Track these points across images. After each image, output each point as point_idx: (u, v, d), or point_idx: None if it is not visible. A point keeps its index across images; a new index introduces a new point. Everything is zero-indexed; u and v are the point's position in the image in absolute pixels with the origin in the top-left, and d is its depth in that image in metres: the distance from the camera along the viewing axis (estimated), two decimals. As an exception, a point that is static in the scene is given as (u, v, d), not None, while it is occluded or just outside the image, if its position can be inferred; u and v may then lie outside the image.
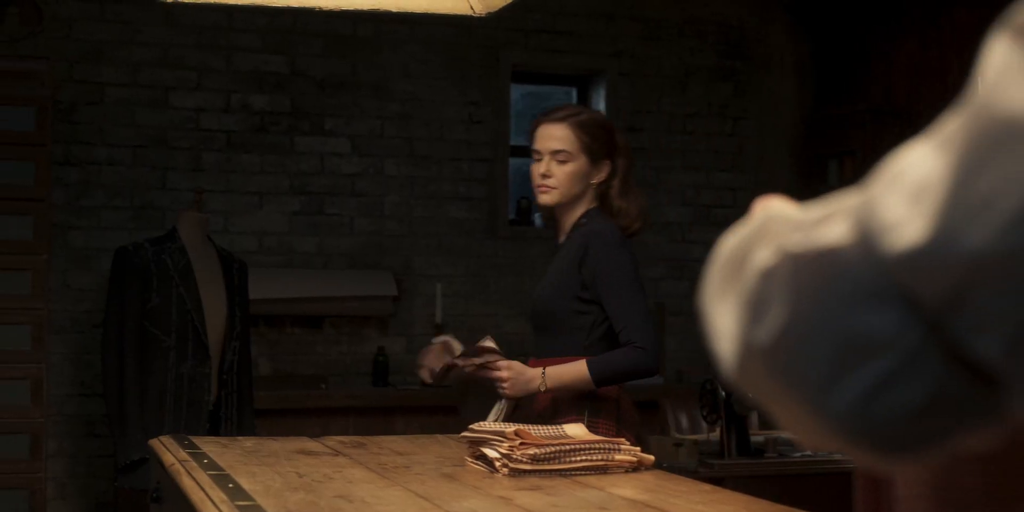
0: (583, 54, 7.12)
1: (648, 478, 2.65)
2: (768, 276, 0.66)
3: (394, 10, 3.50)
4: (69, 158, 6.24)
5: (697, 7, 7.24)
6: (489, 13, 3.51)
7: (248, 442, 3.20)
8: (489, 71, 6.94)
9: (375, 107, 6.69)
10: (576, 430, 2.79)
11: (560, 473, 2.60)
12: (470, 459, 2.76)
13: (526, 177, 7.18)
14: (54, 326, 6.02)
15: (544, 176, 3.53)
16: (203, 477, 2.48)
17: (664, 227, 7.15)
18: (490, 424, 2.77)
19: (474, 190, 6.88)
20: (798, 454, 4.76)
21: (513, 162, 7.07)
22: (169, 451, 2.91)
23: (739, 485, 3.03)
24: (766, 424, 5.80)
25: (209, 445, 3.03)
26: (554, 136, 3.54)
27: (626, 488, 2.49)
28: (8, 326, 5.31)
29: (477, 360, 3.34)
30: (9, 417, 5.29)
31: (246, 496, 2.27)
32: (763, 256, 0.67)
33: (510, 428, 2.66)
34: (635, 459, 2.68)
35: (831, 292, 0.63)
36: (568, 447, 2.62)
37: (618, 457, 2.65)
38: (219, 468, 2.62)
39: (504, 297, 6.89)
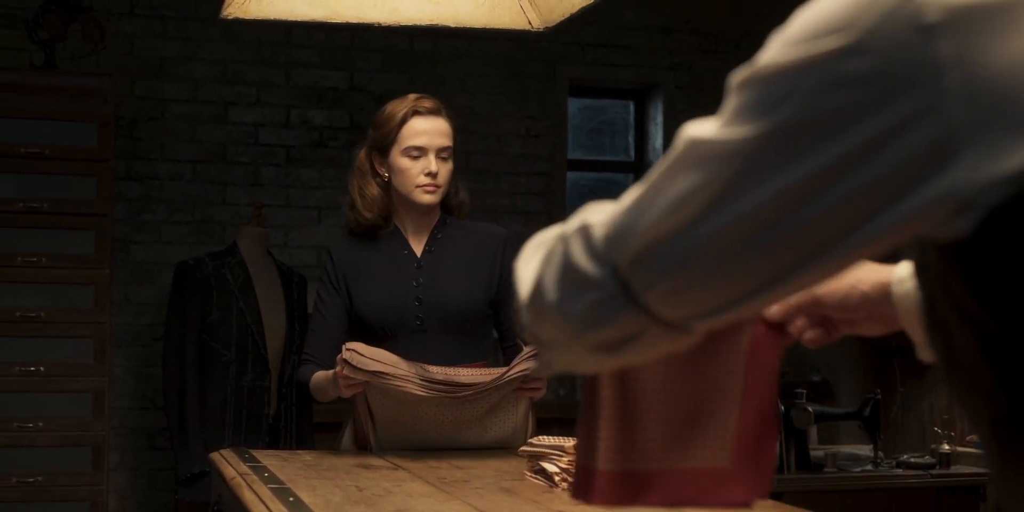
0: (640, 67, 7.11)
1: (708, 493, 2.63)
2: (555, 239, 1.05)
3: (452, 25, 3.51)
4: (131, 173, 6.30)
5: (754, 20, 7.22)
6: (547, 27, 3.51)
7: (308, 455, 3.22)
8: (546, 85, 6.95)
9: (433, 121, 6.71)
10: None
11: (619, 488, 2.59)
12: (529, 473, 2.76)
13: (584, 191, 7.20)
14: (116, 339, 6.08)
15: (432, 174, 3.28)
16: (264, 490, 2.50)
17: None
18: (549, 438, 2.76)
19: (531, 204, 6.89)
20: (858, 469, 4.73)
21: (571, 176, 7.07)
22: (230, 464, 2.93)
23: (798, 500, 3.01)
24: (826, 439, 5.76)
25: (269, 458, 3.05)
26: (441, 131, 3.33)
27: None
28: (71, 339, 5.37)
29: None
30: (72, 430, 5.35)
31: (307, 510, 2.28)
32: (555, 230, 1.08)
33: (569, 442, 2.66)
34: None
35: (578, 250, 1.00)
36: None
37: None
38: (280, 481, 2.63)
39: (562, 311, 6.88)
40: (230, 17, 3.28)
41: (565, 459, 2.61)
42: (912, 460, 4.82)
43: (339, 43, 6.63)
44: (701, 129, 0.95)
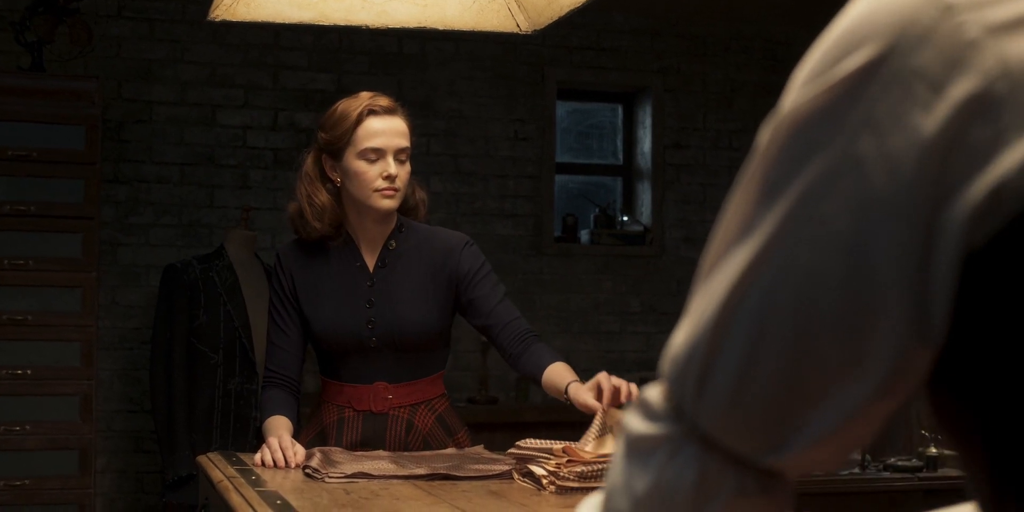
0: (628, 71, 7.12)
1: (695, 496, 2.63)
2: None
3: (440, 28, 3.50)
4: (118, 176, 6.29)
5: (743, 23, 7.23)
6: (535, 30, 3.51)
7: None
8: (535, 88, 6.95)
9: (421, 124, 6.71)
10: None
11: (607, 491, 2.58)
12: (517, 476, 2.76)
13: (572, 194, 7.20)
14: (103, 343, 6.07)
15: (390, 177, 3.08)
16: (251, 494, 2.49)
17: (710, 243, 7.12)
18: (537, 441, 2.75)
19: (520, 207, 6.89)
20: (845, 472, 4.73)
21: (559, 179, 7.08)
22: (217, 467, 2.92)
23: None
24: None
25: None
26: (399, 131, 3.13)
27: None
28: (58, 343, 5.35)
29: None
30: (59, 433, 5.33)
31: (294, 513, 2.28)
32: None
33: (557, 445, 2.65)
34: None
35: (636, 424, 0.88)
36: (615, 465, 2.60)
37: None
38: (267, 485, 2.63)
39: (550, 314, 6.88)
40: (218, 19, 3.27)
41: (553, 462, 2.61)
42: (899, 463, 4.82)
43: (327, 46, 6.62)
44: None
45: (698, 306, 0.84)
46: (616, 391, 2.76)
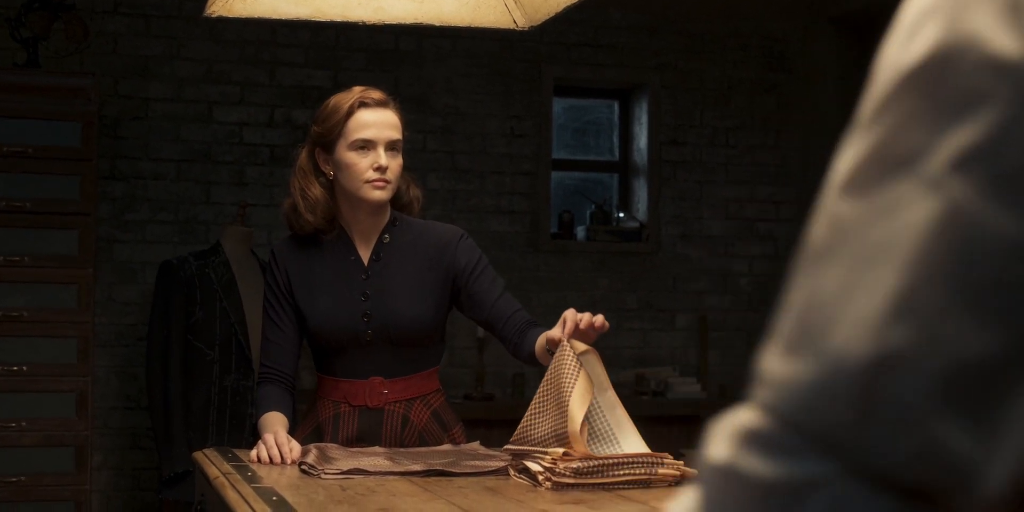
0: (625, 67, 7.12)
1: (692, 492, 2.63)
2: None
3: (437, 24, 3.50)
4: (114, 173, 6.29)
5: (740, 20, 7.23)
6: (532, 27, 3.51)
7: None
8: (531, 85, 6.95)
9: (417, 121, 6.71)
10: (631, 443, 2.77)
11: (603, 487, 2.59)
12: (513, 473, 2.76)
13: (568, 190, 7.20)
14: (99, 339, 6.06)
15: (381, 169, 3.09)
16: (247, 490, 2.49)
17: (707, 241, 7.13)
18: (524, 431, 2.75)
19: (516, 204, 6.89)
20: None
21: (555, 175, 7.07)
22: (213, 464, 2.92)
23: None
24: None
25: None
26: (390, 123, 3.14)
27: (669, 502, 2.47)
28: (55, 339, 5.35)
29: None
30: (55, 430, 5.33)
31: (290, 509, 2.28)
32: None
33: (575, 419, 2.64)
34: (679, 473, 2.66)
35: (755, 465, 0.64)
36: (611, 461, 2.61)
37: (662, 471, 2.64)
38: (263, 481, 2.63)
39: (547, 311, 6.88)
40: (214, 15, 3.27)
41: (548, 458, 2.61)
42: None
43: (324, 42, 6.62)
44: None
45: (825, 311, 0.64)
46: (579, 321, 2.76)
